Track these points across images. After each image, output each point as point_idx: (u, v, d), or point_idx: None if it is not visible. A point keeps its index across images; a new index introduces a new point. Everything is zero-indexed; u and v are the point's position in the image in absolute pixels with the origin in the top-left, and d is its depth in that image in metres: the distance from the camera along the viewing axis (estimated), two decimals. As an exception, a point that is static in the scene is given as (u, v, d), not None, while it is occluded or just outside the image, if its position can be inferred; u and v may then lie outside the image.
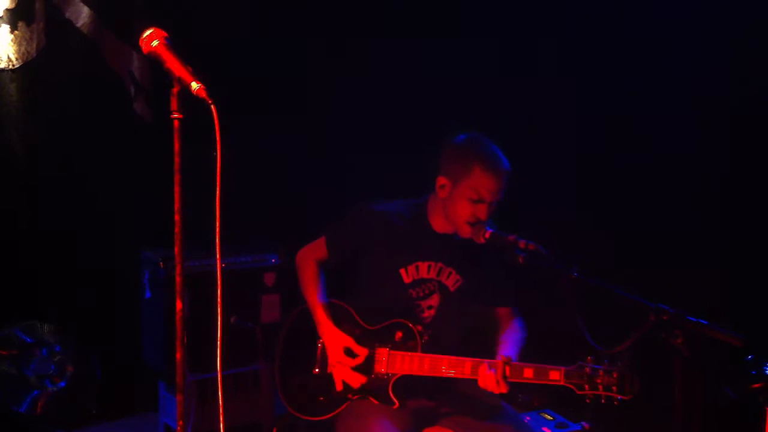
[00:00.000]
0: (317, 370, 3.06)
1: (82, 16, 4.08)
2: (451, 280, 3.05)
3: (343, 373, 2.96)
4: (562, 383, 2.65)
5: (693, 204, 4.09)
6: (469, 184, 2.87)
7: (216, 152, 2.03)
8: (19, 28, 3.92)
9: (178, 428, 2.16)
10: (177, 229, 2.09)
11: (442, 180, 2.95)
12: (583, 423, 3.38)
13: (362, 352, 2.95)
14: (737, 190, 4.01)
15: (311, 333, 3.07)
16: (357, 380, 2.94)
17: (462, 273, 3.05)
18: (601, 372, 2.59)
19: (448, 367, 2.84)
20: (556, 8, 4.49)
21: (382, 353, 2.95)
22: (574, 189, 4.48)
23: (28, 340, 3.64)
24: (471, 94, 4.56)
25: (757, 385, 3.06)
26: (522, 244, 2.72)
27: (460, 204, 2.89)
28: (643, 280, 3.04)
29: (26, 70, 3.98)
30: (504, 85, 4.48)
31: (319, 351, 3.07)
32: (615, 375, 2.57)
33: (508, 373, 2.72)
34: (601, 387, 2.59)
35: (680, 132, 4.13)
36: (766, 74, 3.85)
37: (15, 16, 3.91)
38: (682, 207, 4.13)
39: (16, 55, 3.94)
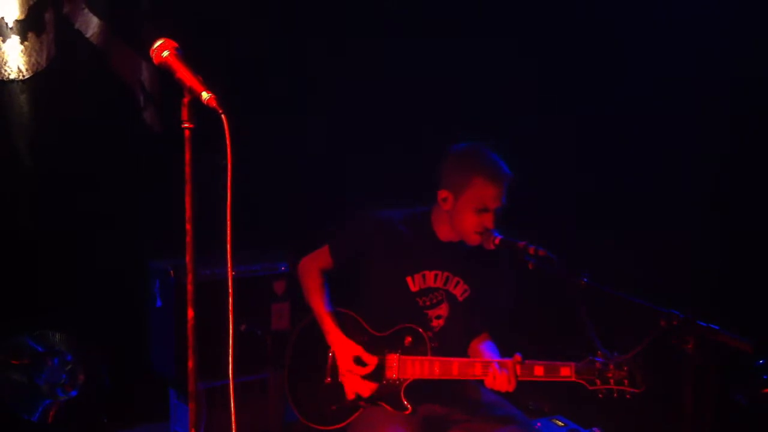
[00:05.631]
0: (329, 379, 3.06)
1: (92, 26, 4.09)
2: (459, 290, 3.06)
3: (354, 382, 2.97)
4: (573, 379, 2.66)
5: (694, 204, 4.09)
6: (471, 195, 2.88)
7: (227, 161, 2.04)
8: (29, 39, 3.93)
9: (191, 436, 2.17)
10: (188, 238, 2.09)
11: (443, 193, 2.96)
12: (595, 429, 3.37)
13: (372, 360, 2.95)
14: (737, 190, 4.02)
15: (321, 342, 3.07)
16: (367, 388, 2.95)
17: (470, 283, 3.05)
18: (611, 366, 2.60)
19: (458, 369, 2.85)
20: (556, 9, 4.51)
21: (393, 359, 2.96)
22: (575, 190, 4.49)
23: (40, 349, 3.65)
24: (472, 94, 4.57)
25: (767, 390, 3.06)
26: (532, 250, 2.72)
27: (466, 215, 2.90)
28: (648, 284, 3.04)
29: (36, 81, 3.99)
30: (505, 85, 4.49)
31: (330, 360, 3.07)
32: (626, 369, 2.59)
33: (518, 372, 2.73)
34: (612, 381, 2.60)
35: (680, 132, 4.15)
36: (767, 74, 3.87)
37: (25, 27, 3.92)
38: (683, 207, 4.13)
39: (26, 66, 3.95)
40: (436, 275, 3.04)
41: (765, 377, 3.10)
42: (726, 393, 3.17)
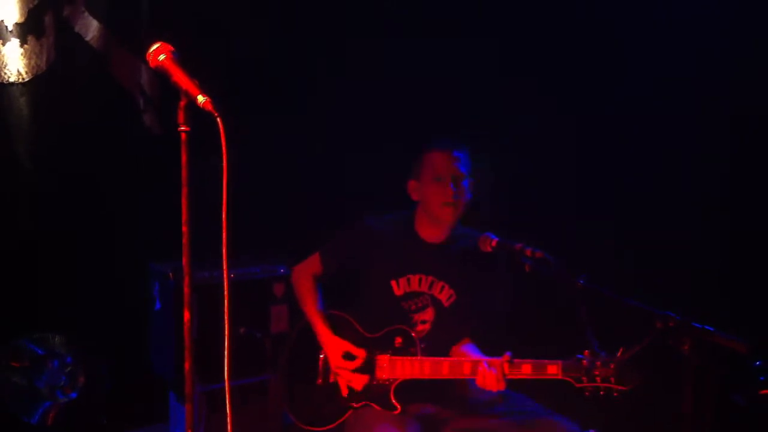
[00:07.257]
0: (320, 380, 3.10)
1: (92, 29, 4.10)
2: (444, 295, 3.08)
3: (346, 377, 2.99)
4: (560, 377, 2.66)
5: (694, 204, 4.09)
6: (427, 170, 3.01)
7: (223, 164, 2.04)
8: (29, 42, 3.94)
9: (188, 438, 2.17)
10: (185, 240, 2.11)
11: (412, 184, 3.09)
12: (592, 431, 3.37)
13: (360, 353, 2.99)
14: (737, 190, 4.02)
15: (314, 345, 3.12)
16: (360, 381, 2.98)
17: (455, 287, 3.07)
18: (598, 364, 2.60)
19: (448, 369, 2.86)
20: (556, 9, 4.50)
21: (383, 359, 2.99)
22: (575, 190, 4.49)
23: (40, 351, 3.66)
24: (472, 94, 4.57)
25: (765, 391, 3.06)
26: (528, 252, 2.74)
27: (429, 190, 3.01)
28: (647, 284, 3.04)
29: (36, 84, 4.00)
30: (504, 85, 4.49)
31: (321, 362, 3.11)
32: (612, 366, 2.58)
33: (506, 370, 2.74)
34: (599, 379, 2.60)
35: (680, 132, 4.14)
36: (767, 74, 3.86)
37: (25, 30, 3.93)
38: (683, 207, 4.13)
39: (26, 69, 3.96)
40: (420, 279, 3.07)
41: (763, 378, 3.09)
42: (725, 394, 3.17)
